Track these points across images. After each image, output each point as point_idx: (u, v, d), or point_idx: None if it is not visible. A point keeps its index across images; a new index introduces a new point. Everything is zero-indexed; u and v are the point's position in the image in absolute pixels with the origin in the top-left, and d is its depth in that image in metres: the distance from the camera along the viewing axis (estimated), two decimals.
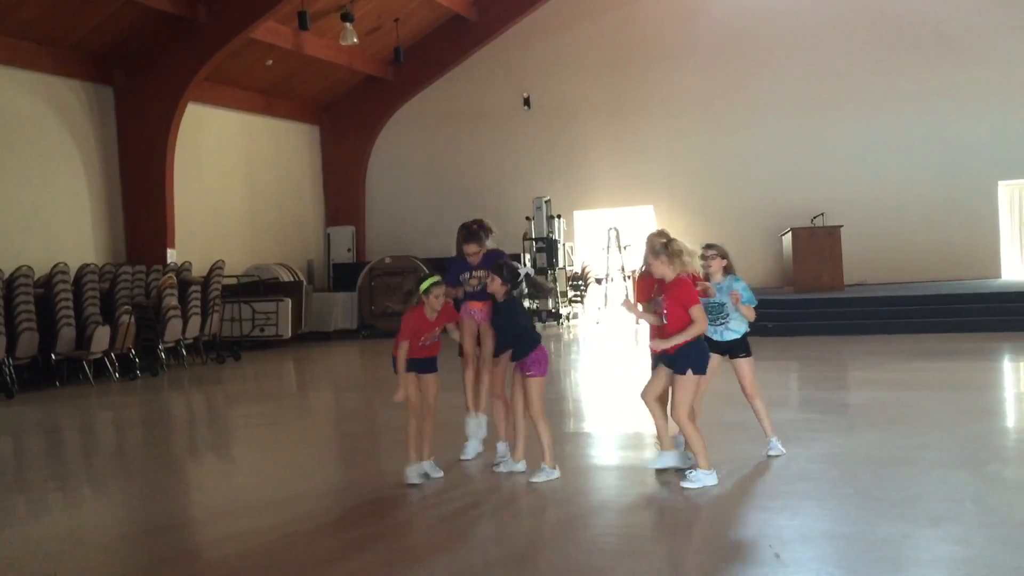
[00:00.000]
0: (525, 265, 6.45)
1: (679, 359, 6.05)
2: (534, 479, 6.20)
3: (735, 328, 6.71)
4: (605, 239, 21.23)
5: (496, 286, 6.31)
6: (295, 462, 7.85)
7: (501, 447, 6.77)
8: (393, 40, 21.25)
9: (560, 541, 5.22)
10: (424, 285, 6.21)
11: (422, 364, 6.34)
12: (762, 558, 4.65)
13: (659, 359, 6.26)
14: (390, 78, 22.83)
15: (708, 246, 6.69)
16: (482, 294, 6.64)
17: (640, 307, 6.43)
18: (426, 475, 6.45)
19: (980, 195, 19.87)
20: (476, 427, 6.92)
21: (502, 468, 6.46)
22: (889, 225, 20.10)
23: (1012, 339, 13.35)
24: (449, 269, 6.87)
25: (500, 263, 6.44)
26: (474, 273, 6.72)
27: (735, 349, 6.72)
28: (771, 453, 6.67)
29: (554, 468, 6.24)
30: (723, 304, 6.60)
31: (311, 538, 5.41)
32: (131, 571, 5.05)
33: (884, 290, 17.43)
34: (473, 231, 6.72)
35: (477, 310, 6.75)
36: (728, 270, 6.67)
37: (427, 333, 6.27)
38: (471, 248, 6.68)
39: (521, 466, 6.42)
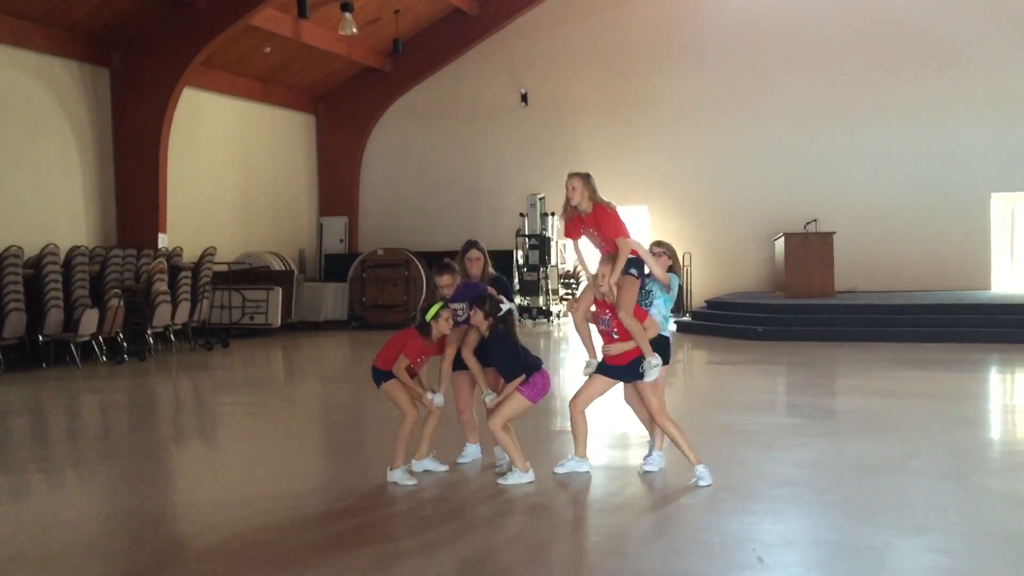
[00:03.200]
0: (508, 301, 6.26)
1: (631, 370, 6.10)
2: (504, 480, 6.14)
3: (657, 322, 6.37)
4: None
5: (479, 319, 6.20)
6: (279, 452, 7.82)
7: (472, 449, 6.73)
8: (392, 32, 21.20)
9: (545, 540, 5.22)
10: (432, 311, 6.20)
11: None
12: (745, 561, 4.65)
13: (606, 371, 6.21)
14: (388, 70, 22.79)
15: (657, 243, 6.49)
16: (463, 324, 6.50)
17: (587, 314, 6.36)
18: (425, 471, 6.44)
19: (973, 206, 19.94)
20: (474, 454, 6.80)
21: (509, 480, 6.17)
22: (882, 233, 20.15)
23: (1000, 350, 13.40)
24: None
25: (484, 296, 6.32)
26: (450, 306, 6.49)
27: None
28: (647, 469, 6.47)
29: (527, 472, 6.15)
30: (649, 291, 6.33)
31: (292, 531, 5.39)
32: (112, 554, 5.02)
33: (875, 298, 17.47)
34: (445, 263, 6.58)
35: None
36: (672, 270, 6.43)
37: (426, 357, 6.30)
38: (444, 280, 6.48)
39: (529, 476, 6.20)
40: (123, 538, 5.33)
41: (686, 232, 21.18)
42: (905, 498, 5.74)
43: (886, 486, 6.02)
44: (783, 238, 17.77)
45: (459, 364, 6.52)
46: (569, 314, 6.61)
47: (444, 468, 6.55)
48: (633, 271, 6.19)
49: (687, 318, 18.88)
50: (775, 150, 21.01)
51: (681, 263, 6.63)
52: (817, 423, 8.52)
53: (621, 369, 6.17)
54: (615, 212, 6.44)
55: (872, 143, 20.42)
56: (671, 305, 6.49)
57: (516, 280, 20.28)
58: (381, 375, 6.33)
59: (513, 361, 6.18)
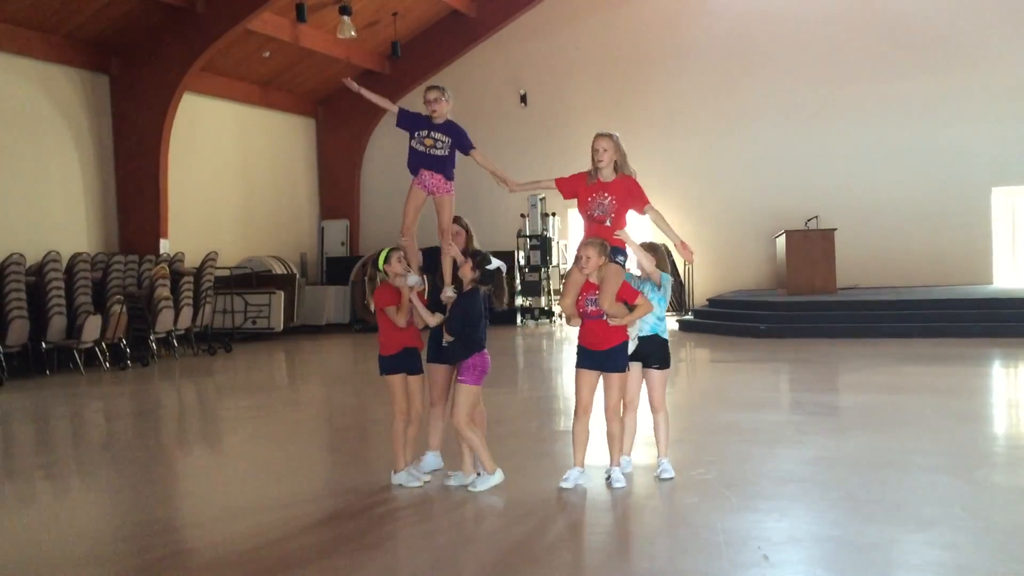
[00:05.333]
0: (499, 262, 6.15)
1: (614, 358, 5.98)
2: (474, 488, 6.04)
3: (652, 323, 6.26)
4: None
5: (466, 270, 6.12)
6: (283, 456, 7.82)
7: (431, 457, 6.55)
8: (391, 34, 21.22)
9: (549, 541, 5.22)
10: (381, 258, 6.19)
11: (409, 360, 6.29)
12: (750, 559, 4.65)
13: (588, 362, 6.05)
14: (387, 72, 22.79)
15: (645, 244, 6.37)
16: (439, 162, 6.28)
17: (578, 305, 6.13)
18: (418, 476, 6.34)
19: (974, 201, 19.91)
20: (434, 463, 6.61)
21: (452, 482, 6.15)
22: (883, 229, 20.13)
23: (1003, 345, 13.39)
24: (403, 118, 6.35)
25: (479, 250, 6.28)
26: (432, 134, 6.22)
27: (651, 356, 6.29)
28: (665, 476, 6.27)
29: (494, 473, 6.08)
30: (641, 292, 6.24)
31: (297, 535, 5.39)
32: (118, 561, 5.03)
33: (876, 294, 17.46)
34: (438, 85, 6.31)
35: (428, 176, 6.31)
36: (659, 268, 6.30)
37: (399, 302, 6.17)
38: (433, 94, 6.19)
39: (471, 479, 6.13)
40: (129, 544, 5.34)
41: (687, 231, 21.13)
42: (910, 494, 5.74)
43: (890, 482, 6.02)
44: (784, 235, 17.77)
45: (433, 357, 6.39)
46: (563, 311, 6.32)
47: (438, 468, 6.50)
48: (619, 259, 6.08)
49: (689, 316, 18.88)
50: (775, 147, 21.00)
51: (668, 262, 6.49)
52: (821, 420, 8.52)
53: (602, 356, 5.98)
54: (643, 191, 6.27)
55: (872, 139, 20.40)
56: (666, 305, 6.40)
57: (518, 280, 20.30)
58: (386, 363, 6.26)
59: (459, 332, 6.02)
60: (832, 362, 12.61)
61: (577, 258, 6.03)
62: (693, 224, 21.36)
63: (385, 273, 6.21)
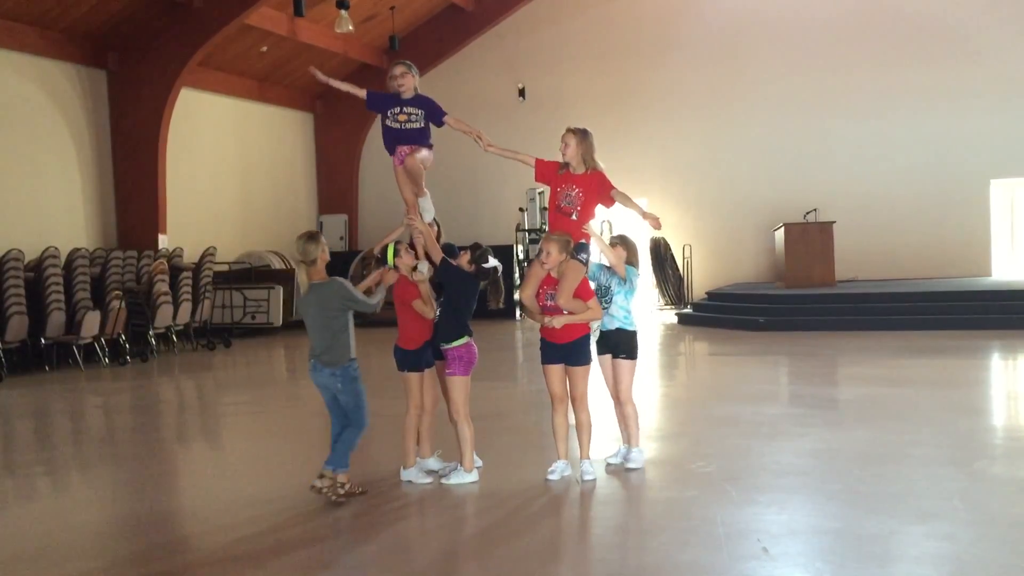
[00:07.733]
0: (498, 262, 6.22)
1: (577, 351, 6.07)
2: (447, 480, 6.11)
3: (619, 317, 6.34)
4: (598, 231, 21.20)
5: (464, 261, 6.21)
6: (283, 451, 7.83)
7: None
8: (388, 28, 21.19)
9: (550, 534, 5.23)
10: (390, 255, 6.25)
11: (426, 355, 6.29)
12: (750, 552, 4.66)
13: (552, 356, 6.14)
14: (385, 67, 22.74)
15: (615, 236, 6.52)
16: (415, 136, 6.41)
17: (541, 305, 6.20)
18: (431, 471, 6.33)
19: (973, 193, 19.91)
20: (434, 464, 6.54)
21: (452, 480, 6.15)
22: (881, 222, 20.13)
23: (1002, 337, 13.40)
24: (372, 99, 6.53)
25: (479, 244, 6.33)
26: (405, 109, 6.32)
27: (618, 347, 6.35)
28: (631, 466, 6.33)
29: (471, 471, 6.13)
30: (608, 288, 6.35)
31: (298, 529, 5.40)
32: (118, 556, 5.03)
33: (875, 286, 17.46)
34: (404, 61, 6.37)
35: (406, 151, 6.47)
36: (629, 262, 6.38)
37: (416, 296, 6.23)
38: (399, 69, 6.28)
39: (473, 476, 6.17)
40: (129, 540, 5.34)
41: (686, 224, 21.17)
42: (909, 486, 5.75)
43: (889, 474, 6.03)
44: (783, 228, 17.77)
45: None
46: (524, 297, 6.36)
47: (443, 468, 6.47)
48: (582, 256, 6.14)
49: (688, 310, 18.88)
50: (774, 140, 20.97)
51: (638, 256, 6.56)
52: (820, 413, 8.53)
53: (565, 349, 6.08)
54: (609, 181, 6.33)
55: (871, 131, 20.39)
56: (632, 299, 6.45)
57: (516, 275, 20.29)
58: (408, 359, 6.24)
59: (456, 319, 6.10)
60: (831, 355, 12.62)
61: (539, 252, 6.13)
62: (692, 217, 21.36)
63: (397, 268, 6.22)
